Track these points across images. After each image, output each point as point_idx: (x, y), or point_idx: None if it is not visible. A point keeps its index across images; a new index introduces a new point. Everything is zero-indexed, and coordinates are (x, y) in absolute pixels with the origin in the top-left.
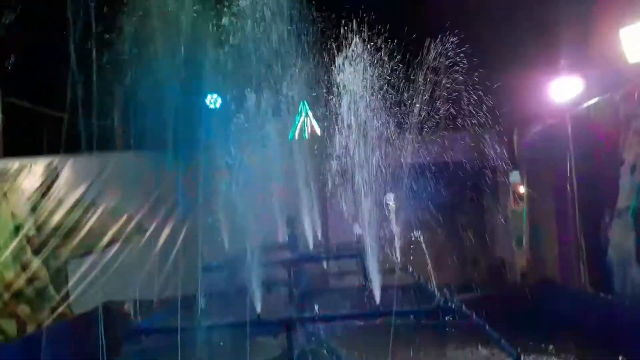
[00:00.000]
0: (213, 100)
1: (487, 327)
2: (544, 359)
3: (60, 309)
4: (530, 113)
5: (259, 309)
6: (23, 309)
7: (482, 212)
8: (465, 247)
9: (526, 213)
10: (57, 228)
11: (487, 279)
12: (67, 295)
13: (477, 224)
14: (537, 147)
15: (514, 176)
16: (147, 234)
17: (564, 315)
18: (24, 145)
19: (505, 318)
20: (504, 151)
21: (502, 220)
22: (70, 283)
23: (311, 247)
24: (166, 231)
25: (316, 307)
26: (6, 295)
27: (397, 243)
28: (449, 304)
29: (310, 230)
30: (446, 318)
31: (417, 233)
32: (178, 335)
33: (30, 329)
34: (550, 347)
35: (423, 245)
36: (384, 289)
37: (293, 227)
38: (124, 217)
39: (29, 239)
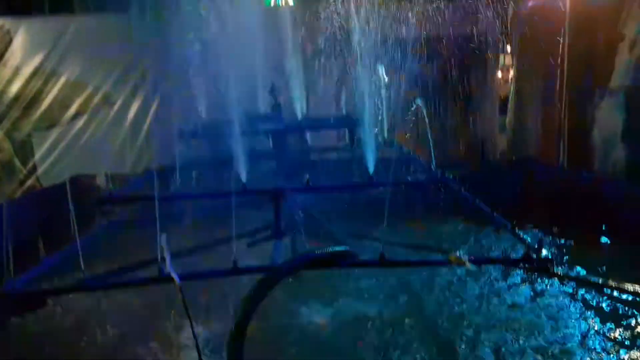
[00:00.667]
0: None
1: (477, 200)
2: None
3: (28, 182)
4: None
5: (243, 179)
6: None
7: (468, 89)
8: (448, 124)
9: (513, 91)
10: (16, 98)
11: (467, 156)
12: (35, 168)
13: (462, 101)
14: (531, 21)
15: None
16: (116, 106)
17: (544, 190)
18: None
19: (484, 193)
20: (497, 25)
21: (487, 97)
22: (37, 156)
23: (297, 117)
24: (136, 102)
25: (304, 178)
26: None
27: (384, 116)
28: (443, 176)
29: (296, 100)
30: (439, 192)
31: (401, 107)
32: (155, 204)
33: None
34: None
35: (406, 119)
36: (374, 160)
37: (277, 96)
38: (90, 89)
39: None
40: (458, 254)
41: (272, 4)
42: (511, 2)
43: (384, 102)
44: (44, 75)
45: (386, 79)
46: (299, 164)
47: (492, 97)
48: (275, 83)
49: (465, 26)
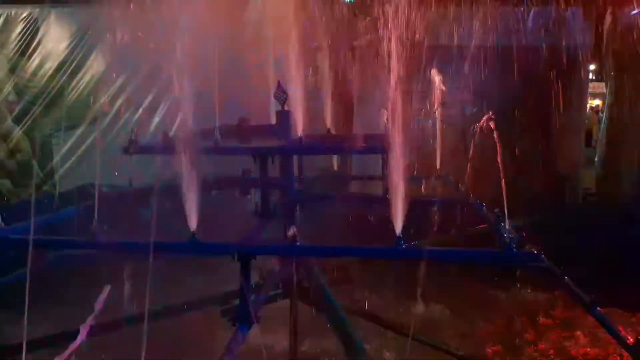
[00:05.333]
0: None
1: (573, 285)
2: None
3: (44, 187)
4: None
5: (192, 224)
6: (3, 183)
7: (547, 114)
8: (521, 155)
9: (605, 120)
10: (39, 95)
11: (542, 198)
12: (52, 171)
13: (540, 127)
14: (632, 36)
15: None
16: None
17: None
18: None
19: (560, 251)
20: (589, 38)
21: (571, 127)
22: (56, 158)
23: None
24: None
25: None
26: None
27: (436, 143)
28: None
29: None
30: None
31: (461, 132)
32: None
33: None
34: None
35: (467, 147)
36: (418, 205)
37: (284, 100)
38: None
39: (8, 105)
40: None
41: None
42: (608, 10)
43: (436, 126)
44: (68, 70)
45: (441, 96)
46: (305, 199)
47: (577, 124)
48: (284, 82)
49: (547, 34)
